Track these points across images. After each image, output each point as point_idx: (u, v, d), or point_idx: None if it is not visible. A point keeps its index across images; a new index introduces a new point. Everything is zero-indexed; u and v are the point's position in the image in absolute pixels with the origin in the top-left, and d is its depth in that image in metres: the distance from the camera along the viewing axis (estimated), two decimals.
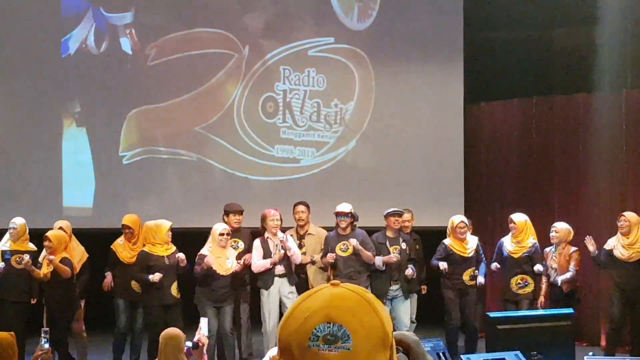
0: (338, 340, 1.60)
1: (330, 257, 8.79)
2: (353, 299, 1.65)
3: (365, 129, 11.21)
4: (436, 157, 11.15)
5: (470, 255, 9.00)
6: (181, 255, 8.53)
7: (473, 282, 9.03)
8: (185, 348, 5.69)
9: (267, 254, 8.78)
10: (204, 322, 6.42)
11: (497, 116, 11.44)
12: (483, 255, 9.28)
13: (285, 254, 8.69)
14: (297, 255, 8.77)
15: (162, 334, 5.63)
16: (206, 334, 6.39)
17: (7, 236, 8.84)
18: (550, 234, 9.00)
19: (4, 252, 8.66)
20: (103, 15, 10.84)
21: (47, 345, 5.56)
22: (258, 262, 8.77)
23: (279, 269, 8.77)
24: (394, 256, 8.84)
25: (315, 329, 1.61)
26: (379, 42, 11.23)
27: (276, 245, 8.73)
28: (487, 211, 11.06)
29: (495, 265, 9.06)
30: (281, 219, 8.89)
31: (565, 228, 9.00)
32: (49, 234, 8.42)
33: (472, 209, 10.78)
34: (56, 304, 8.35)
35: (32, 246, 8.83)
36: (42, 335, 5.63)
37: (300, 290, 8.80)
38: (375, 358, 1.64)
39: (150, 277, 8.36)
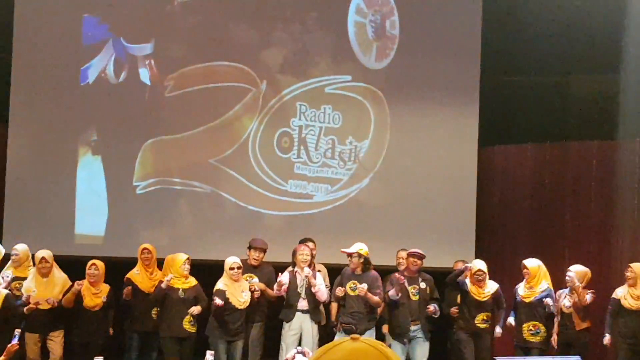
0: None
1: (340, 290, 8.77)
2: (372, 354, 1.67)
3: (378, 168, 11.25)
4: (449, 198, 11.16)
5: (484, 300, 8.96)
6: (195, 310, 8.53)
7: (485, 326, 8.99)
8: None
9: (292, 287, 8.81)
10: (210, 356, 6.43)
11: (511, 160, 11.48)
12: (504, 304, 9.11)
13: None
14: (322, 292, 8.79)
15: None
16: None
17: (9, 262, 8.87)
18: (566, 278, 8.96)
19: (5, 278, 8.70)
20: (123, 45, 10.93)
21: None
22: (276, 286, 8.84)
23: (302, 304, 8.79)
24: (393, 293, 8.81)
25: None
26: (396, 82, 11.30)
27: (303, 280, 8.76)
28: (498, 254, 11.04)
29: (510, 322, 8.98)
30: (312, 255, 8.93)
31: (581, 271, 8.95)
32: (95, 261, 8.69)
33: (483, 252, 10.75)
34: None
35: None
36: None
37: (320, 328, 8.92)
38: None
39: (163, 284, 8.38)
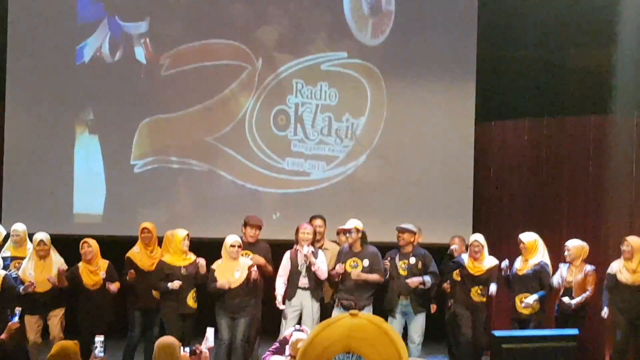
0: None
1: (339, 267, 8.80)
2: (371, 330, 1.69)
3: (375, 145, 11.25)
4: (446, 174, 11.18)
5: (479, 274, 9.00)
6: (201, 262, 8.65)
7: (481, 299, 9.04)
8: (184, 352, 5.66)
9: (294, 266, 8.84)
10: (210, 333, 6.43)
11: (508, 135, 11.48)
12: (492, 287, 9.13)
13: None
14: (321, 271, 8.79)
15: (156, 342, 5.56)
16: (211, 344, 6.40)
17: (8, 243, 8.87)
18: (564, 253, 9.01)
19: (4, 258, 8.71)
20: (118, 24, 10.90)
21: (102, 354, 5.58)
22: (278, 278, 8.89)
23: (303, 282, 8.83)
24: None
25: (335, 358, 1.64)
26: (392, 59, 11.28)
27: (305, 255, 8.78)
28: (495, 229, 11.06)
29: (492, 290, 9.05)
30: (316, 233, 8.96)
31: (578, 245, 8.99)
32: (87, 240, 8.70)
33: (480, 227, 10.78)
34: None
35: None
36: (97, 344, 5.66)
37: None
38: None
39: (170, 284, 8.42)
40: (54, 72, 10.79)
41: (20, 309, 6.96)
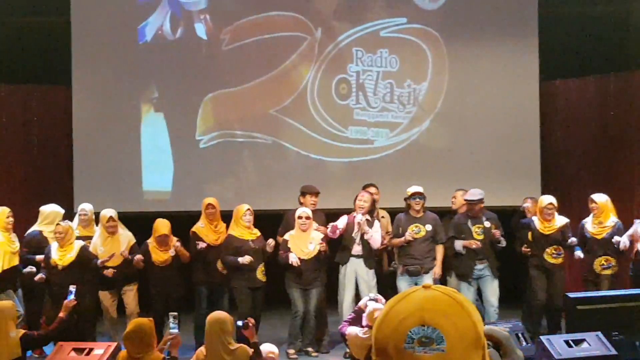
0: (432, 343, 1.65)
1: (408, 234, 8.80)
2: (445, 301, 1.70)
3: (438, 109, 11.17)
4: (511, 136, 11.05)
5: (551, 233, 8.91)
6: (271, 242, 8.72)
7: (555, 261, 8.95)
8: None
9: (349, 232, 8.88)
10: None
11: (573, 94, 11.29)
12: (571, 237, 8.98)
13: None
14: (374, 240, 8.82)
15: (208, 318, 5.65)
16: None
17: (76, 223, 9.01)
18: None
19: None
20: (178, 1, 10.99)
21: (176, 330, 5.70)
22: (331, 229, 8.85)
23: (357, 249, 8.87)
24: (473, 242, 8.85)
25: (410, 331, 1.66)
26: (452, 22, 11.16)
27: (358, 223, 8.81)
28: (564, 191, 10.91)
29: (578, 254, 8.91)
30: (374, 201, 8.96)
31: None
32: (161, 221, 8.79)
33: (549, 188, 10.66)
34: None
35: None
36: (171, 320, 5.80)
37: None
38: (468, 358, 1.68)
39: (240, 259, 8.54)
40: (117, 53, 10.95)
41: (75, 286, 7.06)
